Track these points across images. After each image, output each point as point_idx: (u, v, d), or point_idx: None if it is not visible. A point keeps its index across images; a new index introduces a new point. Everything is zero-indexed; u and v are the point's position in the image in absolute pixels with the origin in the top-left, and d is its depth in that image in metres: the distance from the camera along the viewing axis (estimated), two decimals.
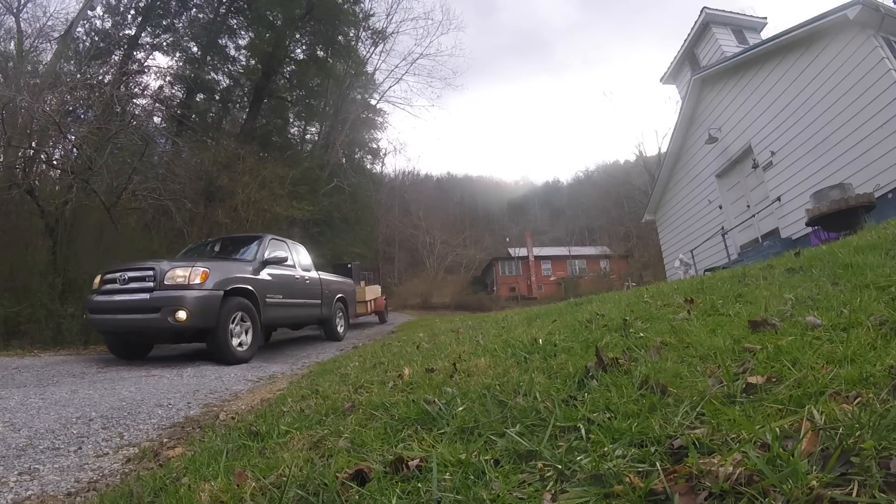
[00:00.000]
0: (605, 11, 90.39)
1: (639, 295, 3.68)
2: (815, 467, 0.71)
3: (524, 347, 2.18)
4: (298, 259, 6.82)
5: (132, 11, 14.33)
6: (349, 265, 12.91)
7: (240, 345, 4.92)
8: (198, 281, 4.56)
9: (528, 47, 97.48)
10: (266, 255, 5.77)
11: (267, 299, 5.43)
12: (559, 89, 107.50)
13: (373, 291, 13.32)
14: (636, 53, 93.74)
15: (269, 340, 7.72)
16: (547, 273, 37.79)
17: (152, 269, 4.62)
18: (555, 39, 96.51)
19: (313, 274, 7.05)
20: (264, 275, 5.56)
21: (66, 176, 8.01)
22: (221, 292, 4.69)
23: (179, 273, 4.57)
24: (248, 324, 5.08)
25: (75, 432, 2.18)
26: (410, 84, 39.72)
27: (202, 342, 4.95)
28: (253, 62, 16.82)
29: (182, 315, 4.39)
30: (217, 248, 6.40)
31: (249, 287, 5.12)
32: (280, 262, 5.86)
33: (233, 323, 4.83)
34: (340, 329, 7.86)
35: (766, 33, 10.42)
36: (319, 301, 6.98)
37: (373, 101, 22.75)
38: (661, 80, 12.60)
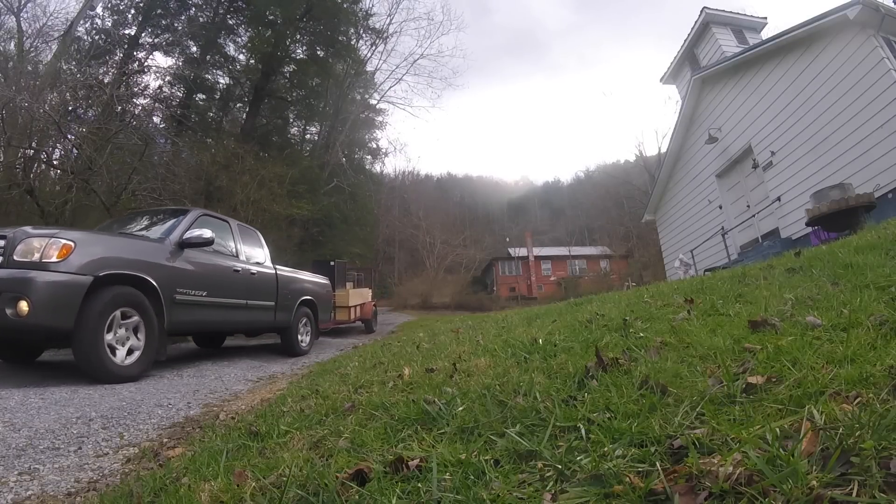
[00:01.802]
0: (600, 12, 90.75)
1: (639, 295, 3.68)
2: (815, 467, 0.71)
3: (524, 347, 2.18)
4: (243, 247, 5.30)
5: (132, 11, 14.36)
6: (331, 262, 11.11)
7: (126, 354, 3.54)
8: (54, 259, 3.15)
9: (523, 48, 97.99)
10: (185, 235, 4.26)
11: (177, 295, 4.02)
12: (558, 89, 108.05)
13: (360, 295, 11.58)
14: (633, 53, 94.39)
15: (223, 345, 6.49)
16: (547, 273, 37.81)
17: (4, 237, 3.29)
18: (550, 40, 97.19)
19: (266, 269, 5.54)
20: (180, 261, 4.16)
21: (66, 176, 8.02)
22: (90, 278, 3.27)
23: (35, 245, 3.20)
24: (141, 326, 3.66)
25: (75, 432, 2.18)
26: (410, 84, 39.64)
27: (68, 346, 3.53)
28: (252, 62, 16.84)
29: (24, 307, 3.02)
30: (137, 223, 4.86)
31: (144, 275, 3.69)
32: (205, 244, 4.34)
33: (110, 327, 3.42)
34: (305, 341, 6.15)
35: (766, 33, 10.44)
36: (273, 303, 5.46)
37: (373, 101, 22.80)
38: (661, 80, 12.62)
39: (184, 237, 4.26)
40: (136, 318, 3.63)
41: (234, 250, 5.14)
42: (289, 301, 5.81)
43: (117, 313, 3.49)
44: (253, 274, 5.21)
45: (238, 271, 4.98)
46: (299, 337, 6.01)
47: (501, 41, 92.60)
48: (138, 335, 3.67)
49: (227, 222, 5.30)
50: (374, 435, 1.34)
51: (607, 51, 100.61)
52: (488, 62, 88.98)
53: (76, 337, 3.27)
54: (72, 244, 3.29)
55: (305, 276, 6.68)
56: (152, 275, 3.79)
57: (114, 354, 3.45)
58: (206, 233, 4.34)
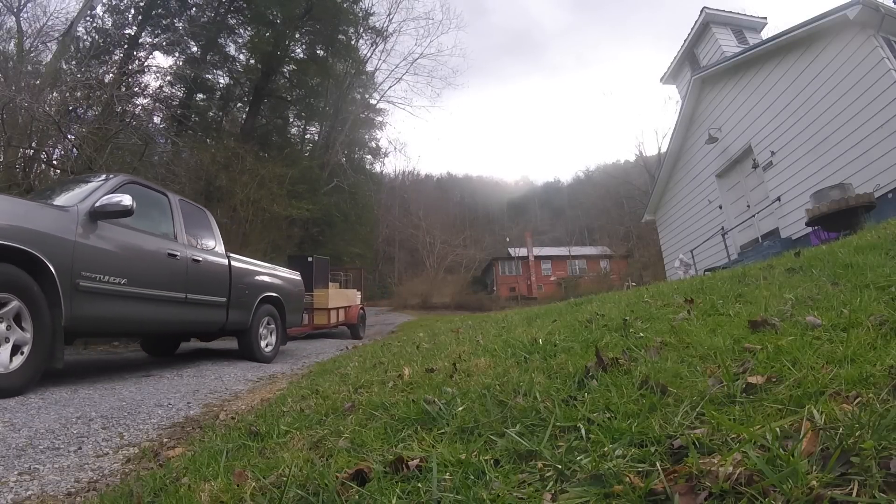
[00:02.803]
0: (597, 12, 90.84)
1: (639, 295, 3.68)
2: (815, 467, 0.71)
3: (524, 347, 2.17)
4: (186, 227, 4.33)
5: (132, 11, 14.37)
6: (309, 258, 9.80)
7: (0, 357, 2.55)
8: None
9: (522, 48, 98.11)
10: (100, 202, 3.26)
11: (83, 281, 3.02)
12: (557, 89, 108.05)
13: (343, 297, 10.34)
14: (632, 53, 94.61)
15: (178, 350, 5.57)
16: (547, 273, 37.82)
17: None
18: (548, 40, 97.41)
19: (217, 256, 4.60)
20: (93, 237, 3.17)
21: (65, 176, 8.01)
22: None
23: None
24: (26, 320, 2.70)
25: (75, 432, 2.18)
26: (410, 84, 39.76)
27: None
28: (253, 61, 16.88)
29: None
30: (65, 191, 3.75)
31: (32, 249, 2.70)
32: (121, 214, 3.32)
33: None
34: (268, 345, 5.24)
35: (767, 33, 10.45)
36: (224, 299, 4.56)
37: (373, 101, 22.84)
38: (661, 80, 12.63)
39: (98, 205, 3.25)
40: (17, 309, 2.65)
41: (171, 231, 4.16)
42: (246, 297, 4.89)
43: None
44: (197, 261, 4.25)
45: (175, 256, 3.99)
46: (261, 341, 5.13)
47: (500, 41, 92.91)
48: (22, 333, 2.70)
49: (166, 195, 4.32)
50: (374, 435, 1.34)
51: (606, 51, 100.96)
52: (487, 62, 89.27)
53: None
54: None
55: (269, 269, 5.71)
56: (45, 250, 2.79)
57: None
58: (126, 199, 3.28)
